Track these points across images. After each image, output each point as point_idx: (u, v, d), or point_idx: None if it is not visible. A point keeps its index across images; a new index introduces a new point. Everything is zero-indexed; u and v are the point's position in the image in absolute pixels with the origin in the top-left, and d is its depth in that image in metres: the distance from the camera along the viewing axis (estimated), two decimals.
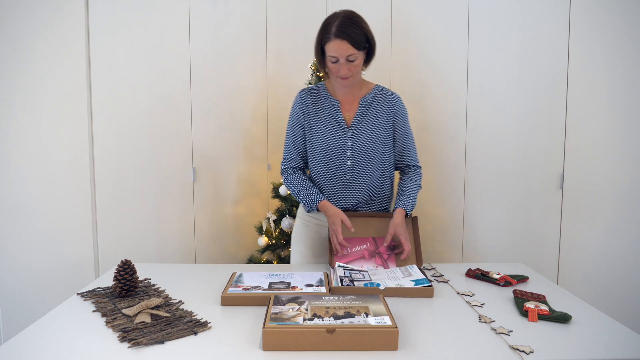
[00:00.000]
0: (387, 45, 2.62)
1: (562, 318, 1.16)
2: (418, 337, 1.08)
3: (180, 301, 1.29)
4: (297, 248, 1.78)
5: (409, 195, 1.64)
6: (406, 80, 2.65)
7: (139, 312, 1.18)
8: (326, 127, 1.63)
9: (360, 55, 1.53)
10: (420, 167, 1.74)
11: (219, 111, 2.61)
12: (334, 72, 1.55)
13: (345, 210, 1.65)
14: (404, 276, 1.42)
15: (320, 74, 2.31)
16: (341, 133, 1.62)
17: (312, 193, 1.63)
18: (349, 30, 1.47)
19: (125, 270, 1.33)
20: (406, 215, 1.62)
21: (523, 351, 1.00)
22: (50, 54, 2.43)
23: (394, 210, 1.62)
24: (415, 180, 1.69)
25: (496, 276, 1.46)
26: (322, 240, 1.74)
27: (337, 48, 1.48)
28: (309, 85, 1.71)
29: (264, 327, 1.01)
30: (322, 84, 1.70)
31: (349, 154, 1.62)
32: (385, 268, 1.50)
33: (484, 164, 2.57)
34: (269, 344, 1.01)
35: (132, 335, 1.07)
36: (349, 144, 1.62)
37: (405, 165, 1.72)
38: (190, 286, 1.42)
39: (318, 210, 1.64)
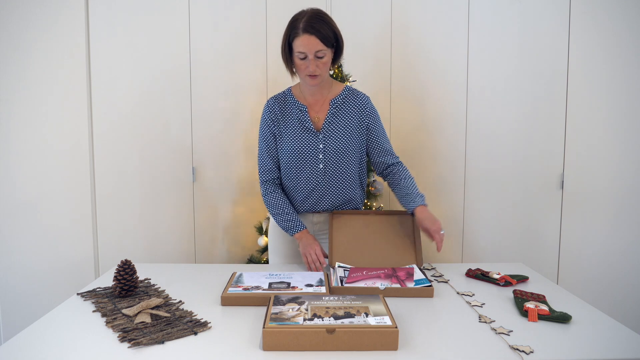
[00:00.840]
0: (387, 46, 2.62)
1: (562, 318, 1.16)
2: (418, 337, 1.08)
3: (180, 301, 1.29)
4: (275, 247, 1.77)
5: (415, 193, 1.61)
6: (406, 80, 2.65)
7: (139, 312, 1.18)
8: (295, 132, 1.61)
9: (328, 53, 1.51)
10: (401, 162, 1.71)
11: (219, 111, 2.61)
12: (302, 70, 1.53)
13: (320, 212, 1.66)
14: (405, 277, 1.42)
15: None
16: (311, 137, 1.60)
17: (293, 219, 1.62)
18: (318, 25, 1.46)
19: (125, 270, 1.33)
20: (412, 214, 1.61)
21: (523, 351, 1.00)
22: (50, 54, 2.43)
23: (411, 213, 1.60)
24: (409, 176, 1.66)
25: (496, 276, 1.46)
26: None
27: (306, 43, 1.47)
28: (276, 93, 1.70)
29: (264, 327, 1.01)
30: (289, 90, 1.68)
31: (320, 156, 1.61)
32: (402, 286, 1.44)
33: (484, 164, 2.57)
34: (269, 344, 1.01)
35: (132, 335, 1.07)
36: (321, 146, 1.60)
37: (387, 165, 1.69)
38: (190, 286, 1.42)
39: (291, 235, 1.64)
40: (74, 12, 2.43)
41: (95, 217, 2.56)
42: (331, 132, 1.61)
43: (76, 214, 2.52)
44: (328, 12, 2.64)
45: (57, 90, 2.46)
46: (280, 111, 1.64)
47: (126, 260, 1.36)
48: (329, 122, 1.61)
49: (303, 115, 1.61)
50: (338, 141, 1.61)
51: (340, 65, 2.45)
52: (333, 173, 1.62)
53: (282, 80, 2.68)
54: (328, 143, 1.60)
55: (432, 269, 1.63)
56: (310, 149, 1.61)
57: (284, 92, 1.69)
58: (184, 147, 2.60)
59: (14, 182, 2.46)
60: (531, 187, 2.53)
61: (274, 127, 1.64)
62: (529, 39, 2.46)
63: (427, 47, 2.59)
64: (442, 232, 1.53)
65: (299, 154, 1.61)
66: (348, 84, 2.43)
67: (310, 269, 1.55)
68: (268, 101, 1.68)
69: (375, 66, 2.81)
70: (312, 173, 1.62)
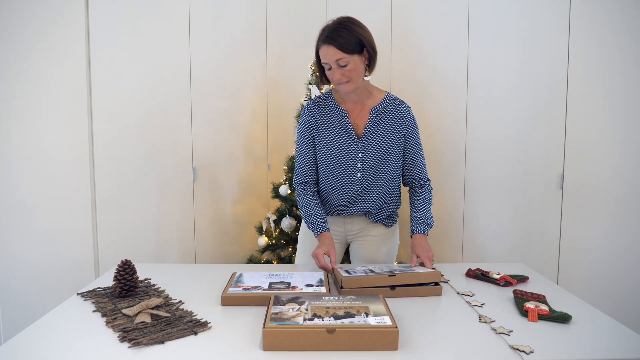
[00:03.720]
0: (387, 46, 2.62)
1: (562, 318, 1.16)
2: (418, 337, 1.08)
3: (180, 301, 1.29)
4: (303, 247, 1.77)
5: (424, 218, 1.61)
6: (406, 81, 2.65)
7: (139, 312, 1.18)
8: (335, 137, 1.60)
9: (352, 60, 1.48)
10: (429, 181, 1.70)
11: (219, 111, 2.61)
12: (332, 80, 1.53)
13: (352, 215, 1.66)
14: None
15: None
16: (352, 144, 1.59)
17: (318, 221, 1.61)
18: (336, 34, 1.46)
19: (125, 270, 1.33)
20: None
21: (523, 351, 1.00)
22: (50, 54, 2.43)
23: (412, 235, 1.60)
24: (427, 200, 1.65)
25: (496, 276, 1.46)
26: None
27: (325, 54, 1.48)
28: (316, 96, 1.68)
29: (264, 327, 1.01)
30: (329, 93, 1.66)
31: (359, 165, 1.59)
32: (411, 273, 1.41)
33: (484, 164, 2.57)
34: (269, 344, 1.01)
35: (132, 335, 1.07)
36: (360, 155, 1.59)
37: (414, 180, 1.68)
38: (190, 286, 1.42)
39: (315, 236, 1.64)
40: (74, 12, 2.43)
41: (95, 217, 2.56)
42: (371, 141, 1.59)
43: (76, 214, 2.52)
44: (328, 13, 2.64)
45: (57, 91, 2.46)
46: (320, 115, 1.62)
47: (126, 260, 1.36)
48: (368, 130, 1.59)
49: (344, 120, 1.60)
50: (377, 151, 1.59)
51: None
52: (370, 182, 1.61)
53: (282, 80, 2.69)
54: (367, 152, 1.59)
55: (432, 269, 1.62)
56: (350, 156, 1.59)
57: (324, 95, 1.66)
58: (184, 147, 2.60)
59: (14, 183, 2.46)
60: (531, 187, 2.53)
61: (313, 130, 1.63)
62: (529, 39, 2.46)
63: (427, 47, 2.58)
64: (433, 266, 1.52)
65: (338, 160, 1.59)
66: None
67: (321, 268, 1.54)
68: (307, 104, 1.65)
69: (376, 66, 2.81)
70: (349, 181, 1.61)
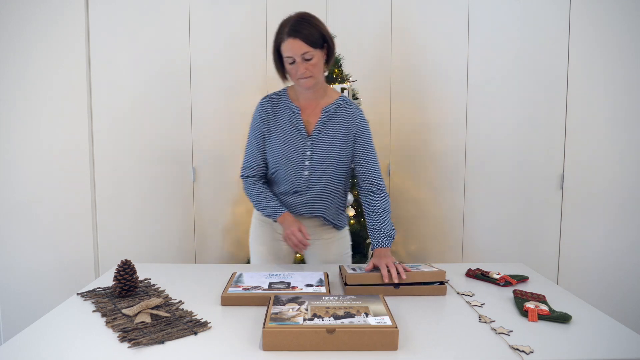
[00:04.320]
0: (387, 46, 2.62)
1: (562, 318, 1.16)
2: (418, 337, 1.08)
3: (180, 301, 1.29)
4: (256, 249, 1.76)
5: (385, 229, 1.57)
6: (406, 80, 2.65)
7: (139, 312, 1.18)
8: (286, 133, 1.61)
9: (317, 54, 1.49)
10: (384, 187, 1.65)
11: (219, 111, 2.61)
12: (293, 75, 1.53)
13: (303, 217, 1.66)
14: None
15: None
16: (301, 141, 1.60)
17: (274, 205, 1.61)
18: (301, 28, 1.47)
19: (125, 270, 1.33)
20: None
21: (523, 351, 1.00)
22: (50, 54, 2.43)
23: (372, 249, 1.57)
24: (384, 209, 1.61)
25: (496, 276, 1.46)
26: (281, 241, 1.72)
27: (291, 47, 1.47)
28: (271, 93, 1.69)
29: (264, 327, 1.01)
30: (284, 90, 1.67)
31: (307, 163, 1.60)
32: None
33: (484, 164, 2.57)
34: (269, 344, 1.01)
35: (132, 335, 1.07)
36: (308, 153, 1.59)
37: (368, 184, 1.63)
38: (190, 286, 1.42)
39: (275, 221, 1.63)
40: (74, 12, 2.43)
41: (95, 217, 2.56)
42: (320, 140, 1.59)
43: (76, 213, 2.52)
44: (328, 13, 2.65)
45: (57, 90, 2.46)
46: (273, 110, 1.63)
47: (126, 260, 1.36)
48: (319, 129, 1.60)
49: (295, 117, 1.61)
50: (325, 150, 1.59)
51: (340, 66, 2.45)
52: (317, 180, 1.62)
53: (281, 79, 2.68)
54: (315, 150, 1.59)
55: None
56: (298, 152, 1.60)
57: (279, 92, 1.68)
58: (184, 147, 2.60)
59: (14, 182, 2.46)
60: (531, 187, 2.53)
61: (263, 126, 1.64)
62: (529, 39, 2.46)
63: (427, 47, 2.59)
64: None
65: (287, 156, 1.60)
66: (348, 84, 2.43)
67: (296, 249, 1.53)
68: (262, 100, 1.67)
69: (375, 66, 2.81)
70: (297, 179, 1.61)
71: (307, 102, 1.62)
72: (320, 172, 1.61)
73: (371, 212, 1.62)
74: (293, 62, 1.50)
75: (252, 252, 1.79)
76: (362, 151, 1.63)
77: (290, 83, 1.64)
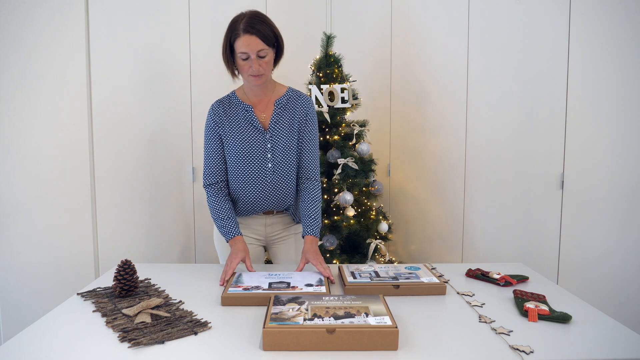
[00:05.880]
0: (387, 46, 2.62)
1: (562, 318, 1.16)
2: (418, 337, 1.08)
3: (180, 301, 1.29)
4: (222, 250, 1.77)
5: (314, 219, 1.61)
6: (406, 81, 2.65)
7: (139, 312, 1.19)
8: (243, 132, 1.62)
9: (270, 52, 1.53)
10: (319, 177, 1.70)
11: None
12: (245, 70, 1.54)
13: (272, 214, 1.68)
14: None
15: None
16: (259, 136, 1.61)
17: (230, 225, 1.62)
18: (258, 25, 1.49)
19: (125, 270, 1.33)
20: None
21: (523, 351, 1.00)
22: (50, 54, 2.43)
23: (303, 236, 1.60)
24: (318, 199, 1.66)
25: (496, 276, 1.46)
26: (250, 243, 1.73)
27: (248, 43, 1.48)
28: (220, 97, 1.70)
29: (264, 327, 1.01)
30: (232, 93, 1.68)
31: (269, 156, 1.61)
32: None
33: (484, 164, 2.57)
34: (269, 344, 1.01)
35: (132, 335, 1.08)
36: (269, 146, 1.61)
37: (307, 173, 1.68)
38: (190, 286, 1.42)
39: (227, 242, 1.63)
40: (74, 12, 2.43)
41: (95, 217, 2.56)
42: (278, 131, 1.62)
43: (76, 213, 2.52)
44: (328, 13, 2.65)
45: (57, 90, 2.46)
46: (225, 113, 1.64)
47: (126, 260, 1.36)
48: (275, 121, 1.63)
49: (249, 114, 1.62)
50: (285, 140, 1.62)
51: (340, 65, 2.45)
52: (281, 172, 1.63)
53: (282, 80, 2.68)
54: (275, 142, 1.62)
55: (432, 269, 1.63)
56: (259, 148, 1.61)
57: (228, 95, 1.69)
58: (184, 147, 2.60)
59: (14, 182, 2.46)
60: (531, 187, 2.52)
61: (219, 129, 1.64)
62: (529, 39, 2.46)
63: (427, 47, 2.59)
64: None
65: (247, 154, 1.61)
66: (348, 84, 2.43)
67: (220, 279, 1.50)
68: (212, 105, 1.68)
69: (375, 66, 2.81)
70: (261, 173, 1.62)
71: (258, 99, 1.65)
72: (284, 163, 1.63)
73: (306, 199, 1.66)
74: (247, 59, 1.51)
75: (218, 253, 1.80)
76: (307, 142, 1.66)
77: (239, 81, 1.65)
